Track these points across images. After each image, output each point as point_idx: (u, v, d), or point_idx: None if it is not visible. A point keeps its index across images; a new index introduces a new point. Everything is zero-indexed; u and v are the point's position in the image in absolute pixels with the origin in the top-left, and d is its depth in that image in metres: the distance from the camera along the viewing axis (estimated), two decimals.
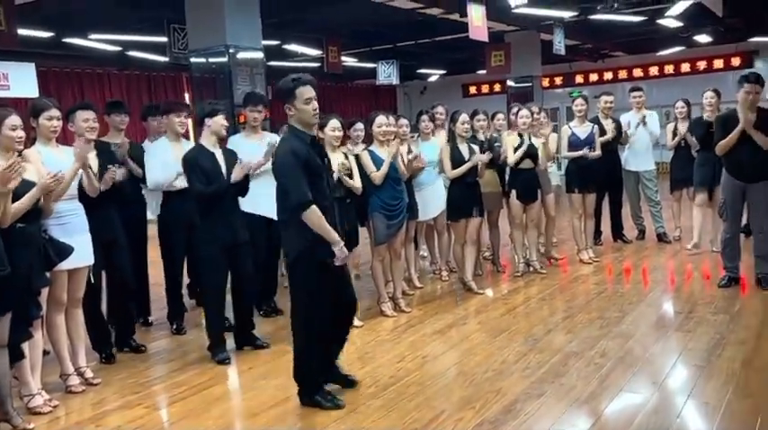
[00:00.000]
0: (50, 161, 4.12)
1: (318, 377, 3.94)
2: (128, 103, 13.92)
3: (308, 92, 3.71)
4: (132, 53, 12.28)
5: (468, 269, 6.38)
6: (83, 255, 4.28)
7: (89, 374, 4.45)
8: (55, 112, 4.20)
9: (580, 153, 7.09)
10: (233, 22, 6.83)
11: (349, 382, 4.14)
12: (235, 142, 5.48)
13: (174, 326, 5.60)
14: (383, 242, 5.64)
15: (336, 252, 3.75)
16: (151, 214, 6.20)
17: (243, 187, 4.86)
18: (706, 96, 7.25)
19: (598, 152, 7.22)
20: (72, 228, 4.24)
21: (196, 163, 4.69)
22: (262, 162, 5.15)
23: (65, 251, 4.04)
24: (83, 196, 4.42)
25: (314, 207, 3.66)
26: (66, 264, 4.14)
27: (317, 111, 3.78)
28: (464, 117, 6.21)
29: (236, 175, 4.72)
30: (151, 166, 5.34)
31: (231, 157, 4.86)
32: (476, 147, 6.31)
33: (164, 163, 5.24)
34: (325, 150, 4.26)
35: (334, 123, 5.23)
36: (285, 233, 3.86)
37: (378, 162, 5.52)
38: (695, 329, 4.86)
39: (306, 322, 3.85)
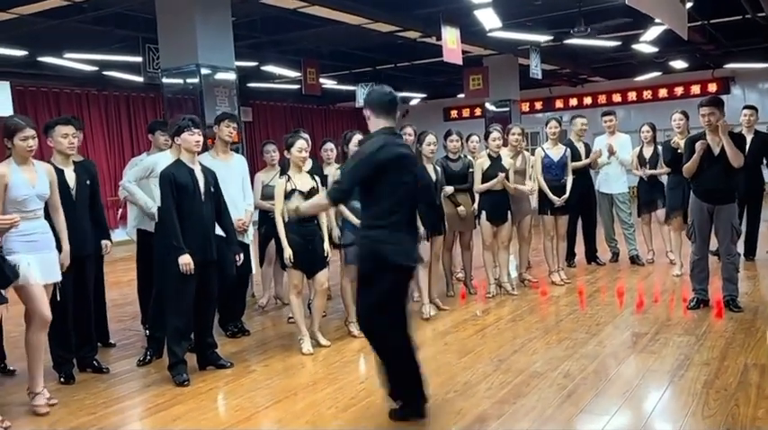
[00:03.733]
0: (19, 182, 4.13)
1: None
2: (106, 124, 14.13)
3: None
4: (110, 73, 12.23)
5: (428, 289, 6.32)
6: (50, 272, 4.25)
7: (46, 395, 4.35)
8: (30, 132, 4.18)
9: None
10: (204, 42, 6.81)
11: None
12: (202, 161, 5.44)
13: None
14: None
15: None
16: (127, 233, 6.12)
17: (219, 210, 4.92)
18: (674, 118, 7.27)
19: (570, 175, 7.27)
20: (40, 246, 4.21)
21: (173, 179, 4.61)
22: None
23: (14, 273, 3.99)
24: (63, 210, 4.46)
25: None
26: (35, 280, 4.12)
27: None
28: (430, 138, 6.24)
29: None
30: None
31: (210, 175, 4.84)
32: (439, 168, 6.41)
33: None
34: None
35: (301, 144, 5.20)
36: None
37: None
38: (660, 351, 4.86)
39: None
